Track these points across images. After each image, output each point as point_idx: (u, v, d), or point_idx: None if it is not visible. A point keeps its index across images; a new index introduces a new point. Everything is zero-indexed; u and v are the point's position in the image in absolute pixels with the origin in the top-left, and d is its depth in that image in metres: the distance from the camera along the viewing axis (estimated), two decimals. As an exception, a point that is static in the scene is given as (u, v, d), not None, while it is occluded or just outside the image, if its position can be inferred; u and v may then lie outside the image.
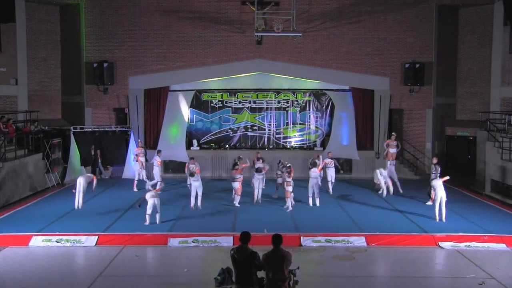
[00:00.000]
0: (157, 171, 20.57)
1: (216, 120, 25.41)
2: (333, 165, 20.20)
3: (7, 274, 11.74)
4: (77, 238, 13.98)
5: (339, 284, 11.47)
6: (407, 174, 24.08)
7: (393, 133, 21.88)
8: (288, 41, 23.31)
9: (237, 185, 17.69)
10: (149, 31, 24.15)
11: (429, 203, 17.60)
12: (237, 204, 17.69)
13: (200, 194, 17.33)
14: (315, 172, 17.67)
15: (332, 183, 20.12)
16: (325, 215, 16.68)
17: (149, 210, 15.17)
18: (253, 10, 22.08)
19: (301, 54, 24.17)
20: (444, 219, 15.62)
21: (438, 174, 17.90)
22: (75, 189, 16.82)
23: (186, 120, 24.84)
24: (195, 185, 17.32)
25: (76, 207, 16.87)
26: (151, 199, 15.17)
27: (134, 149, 22.12)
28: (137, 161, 21.04)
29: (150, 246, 13.80)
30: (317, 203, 17.79)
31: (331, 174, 20.13)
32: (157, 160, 20.56)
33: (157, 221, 15.26)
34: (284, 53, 24.18)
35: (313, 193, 17.77)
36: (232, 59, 24.23)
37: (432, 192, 16.30)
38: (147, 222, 15.14)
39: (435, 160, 18.70)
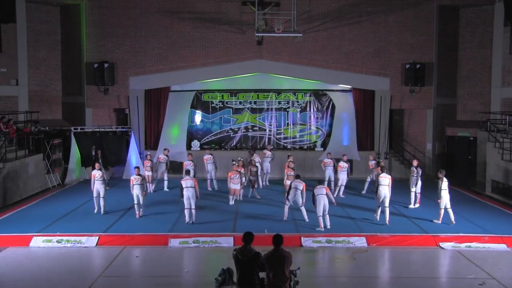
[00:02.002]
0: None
1: (216, 120, 25.43)
2: (346, 169, 19.55)
3: (8, 275, 11.74)
4: (77, 238, 13.98)
5: (340, 285, 11.48)
6: (408, 174, 24.00)
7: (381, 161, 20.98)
8: (288, 41, 23.32)
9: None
10: (150, 31, 24.16)
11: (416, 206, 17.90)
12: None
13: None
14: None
15: (343, 186, 19.71)
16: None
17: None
18: (254, 11, 22.09)
19: (302, 54, 24.18)
20: (453, 222, 15.41)
21: (420, 177, 17.92)
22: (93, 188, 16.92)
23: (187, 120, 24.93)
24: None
25: (96, 211, 16.98)
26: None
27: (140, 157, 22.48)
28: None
29: (151, 247, 13.79)
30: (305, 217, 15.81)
31: (342, 177, 19.49)
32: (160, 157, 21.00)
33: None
34: (285, 53, 24.19)
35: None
36: (232, 59, 24.24)
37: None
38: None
39: (415, 163, 18.13)
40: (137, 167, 17.18)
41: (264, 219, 15.87)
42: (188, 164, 19.92)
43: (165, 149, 21.33)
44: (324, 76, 24.51)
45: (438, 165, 24.83)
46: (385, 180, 15.68)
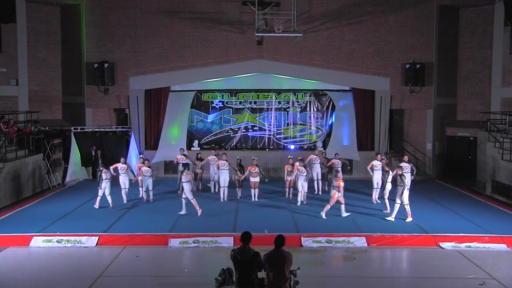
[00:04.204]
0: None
1: (216, 120, 25.43)
2: (340, 165, 19.96)
3: (8, 275, 11.73)
4: (77, 238, 13.97)
5: (340, 285, 11.47)
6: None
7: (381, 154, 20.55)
8: (288, 41, 23.32)
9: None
10: (150, 31, 24.16)
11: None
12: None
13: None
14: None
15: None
16: (325, 215, 16.65)
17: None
18: (254, 11, 22.12)
19: (302, 54, 24.17)
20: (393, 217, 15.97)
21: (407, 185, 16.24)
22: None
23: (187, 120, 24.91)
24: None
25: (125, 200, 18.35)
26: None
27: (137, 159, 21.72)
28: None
29: (151, 247, 13.78)
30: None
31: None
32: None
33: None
34: (285, 53, 24.19)
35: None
36: (232, 59, 24.24)
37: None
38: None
39: (406, 158, 17.96)
40: (143, 160, 18.61)
41: (264, 219, 15.86)
42: (181, 159, 20.19)
43: (181, 149, 21.00)
44: (324, 76, 24.51)
45: (438, 165, 24.89)
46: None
